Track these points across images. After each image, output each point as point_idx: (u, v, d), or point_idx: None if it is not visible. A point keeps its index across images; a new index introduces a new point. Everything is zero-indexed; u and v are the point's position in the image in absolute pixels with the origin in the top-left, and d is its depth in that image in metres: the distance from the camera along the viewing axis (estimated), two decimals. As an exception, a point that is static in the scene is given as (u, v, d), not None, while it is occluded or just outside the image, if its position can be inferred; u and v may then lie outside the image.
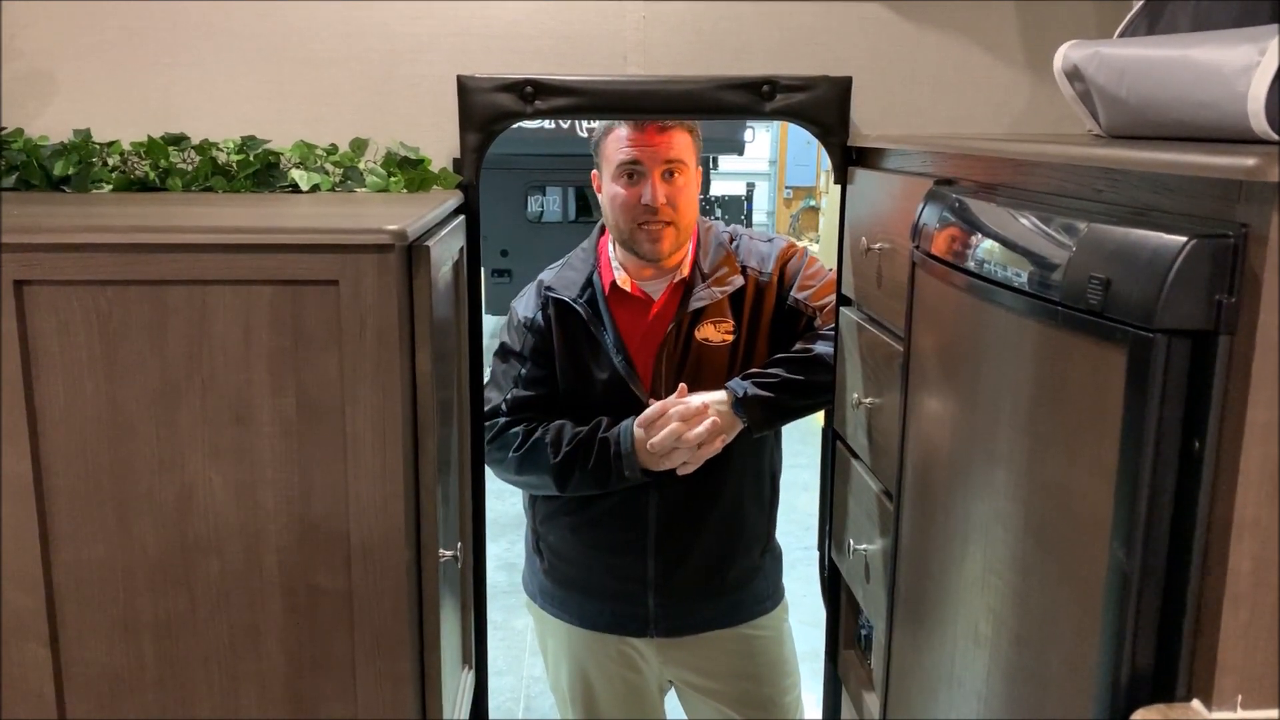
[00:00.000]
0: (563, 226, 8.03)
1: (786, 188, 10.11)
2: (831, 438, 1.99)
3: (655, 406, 2.00)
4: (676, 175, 2.02)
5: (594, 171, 2.12)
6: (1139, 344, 0.88)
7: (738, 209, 8.68)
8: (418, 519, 1.39)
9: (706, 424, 1.97)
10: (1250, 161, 0.79)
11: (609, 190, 2.05)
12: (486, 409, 2.09)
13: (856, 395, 1.76)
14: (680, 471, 2.01)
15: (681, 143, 2.02)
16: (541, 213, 8.17)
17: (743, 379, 2.01)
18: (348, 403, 1.30)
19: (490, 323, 6.84)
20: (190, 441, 1.31)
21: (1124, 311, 0.90)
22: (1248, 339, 0.84)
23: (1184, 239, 0.85)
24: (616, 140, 2.02)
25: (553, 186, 7.98)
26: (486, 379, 2.13)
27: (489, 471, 2.02)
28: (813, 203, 9.41)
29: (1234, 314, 0.85)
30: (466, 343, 1.81)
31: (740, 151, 8.17)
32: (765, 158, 10.60)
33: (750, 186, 9.33)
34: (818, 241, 7.74)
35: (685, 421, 1.97)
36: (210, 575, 1.35)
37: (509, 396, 2.08)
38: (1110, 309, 0.91)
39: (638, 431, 1.99)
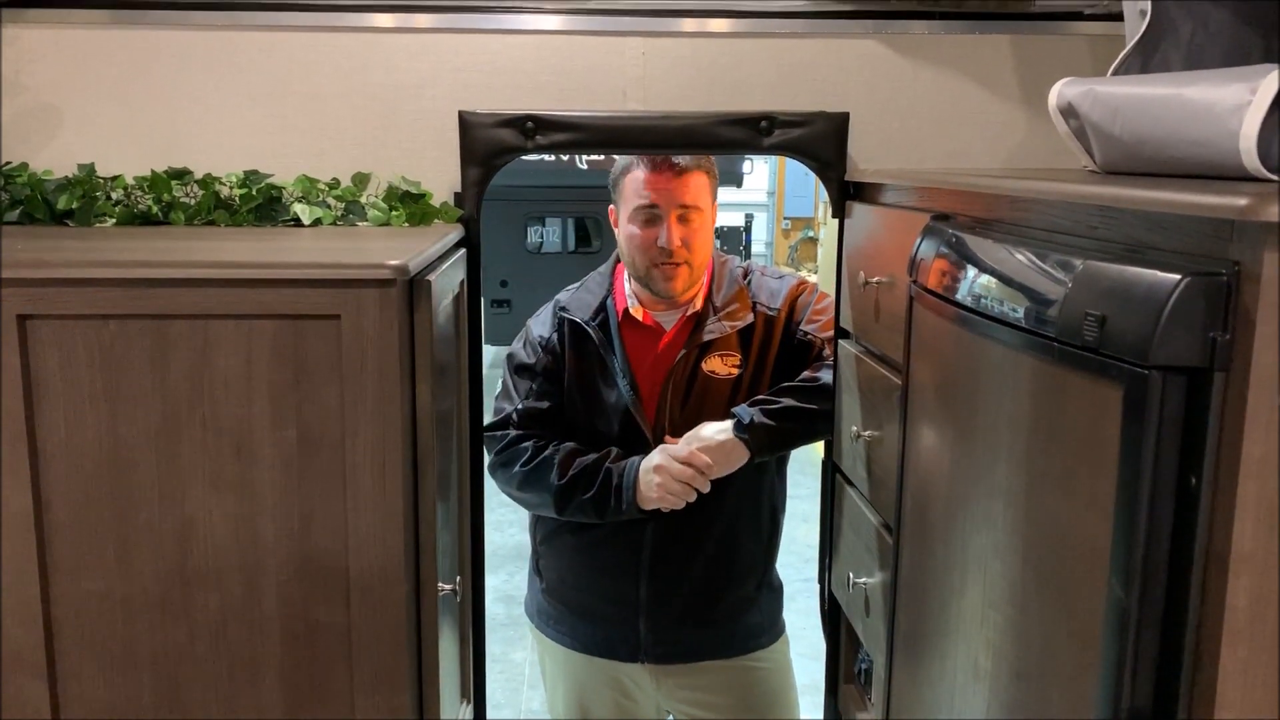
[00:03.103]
0: (562, 257, 8.06)
1: (785, 219, 10.16)
2: (831, 470, 1.99)
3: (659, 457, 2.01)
4: (692, 217, 2.03)
5: (610, 206, 2.13)
6: (1135, 380, 0.89)
7: (736, 240, 8.72)
8: (417, 552, 1.39)
9: (689, 475, 1.98)
10: (1242, 201, 0.80)
11: (625, 230, 2.07)
12: (496, 418, 2.11)
13: (855, 428, 1.76)
14: (664, 508, 2.02)
15: (698, 185, 2.03)
16: (541, 243, 8.20)
17: (750, 405, 2.02)
18: (348, 436, 1.31)
19: (490, 353, 6.85)
20: (191, 474, 1.32)
21: (1120, 348, 0.91)
22: (1242, 375, 0.84)
23: (1178, 277, 0.86)
24: (634, 182, 2.03)
25: (552, 217, 8.01)
26: (497, 391, 2.15)
27: (488, 502, 2.02)
28: (811, 233, 9.46)
29: (1228, 351, 0.85)
30: (467, 374, 1.82)
31: (739, 183, 8.22)
32: (764, 189, 10.65)
33: (749, 218, 9.37)
34: (816, 272, 7.77)
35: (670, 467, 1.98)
36: (209, 608, 1.35)
37: (520, 407, 2.11)
38: (1106, 345, 0.92)
39: (643, 473, 2.00)
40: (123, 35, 1.79)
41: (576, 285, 2.21)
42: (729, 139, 1.87)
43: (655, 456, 2.01)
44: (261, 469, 1.32)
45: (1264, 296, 0.82)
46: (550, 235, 8.17)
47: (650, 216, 2.02)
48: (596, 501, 2.02)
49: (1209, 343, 0.86)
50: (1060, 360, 1.01)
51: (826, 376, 2.01)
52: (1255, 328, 0.83)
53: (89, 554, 1.33)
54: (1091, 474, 0.97)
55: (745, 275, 2.15)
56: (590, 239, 8.07)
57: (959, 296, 1.25)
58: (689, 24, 1.86)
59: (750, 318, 2.10)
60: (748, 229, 9.14)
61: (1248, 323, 0.84)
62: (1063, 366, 1.01)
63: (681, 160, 2.00)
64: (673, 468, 1.99)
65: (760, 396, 2.04)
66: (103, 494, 1.31)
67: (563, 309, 2.14)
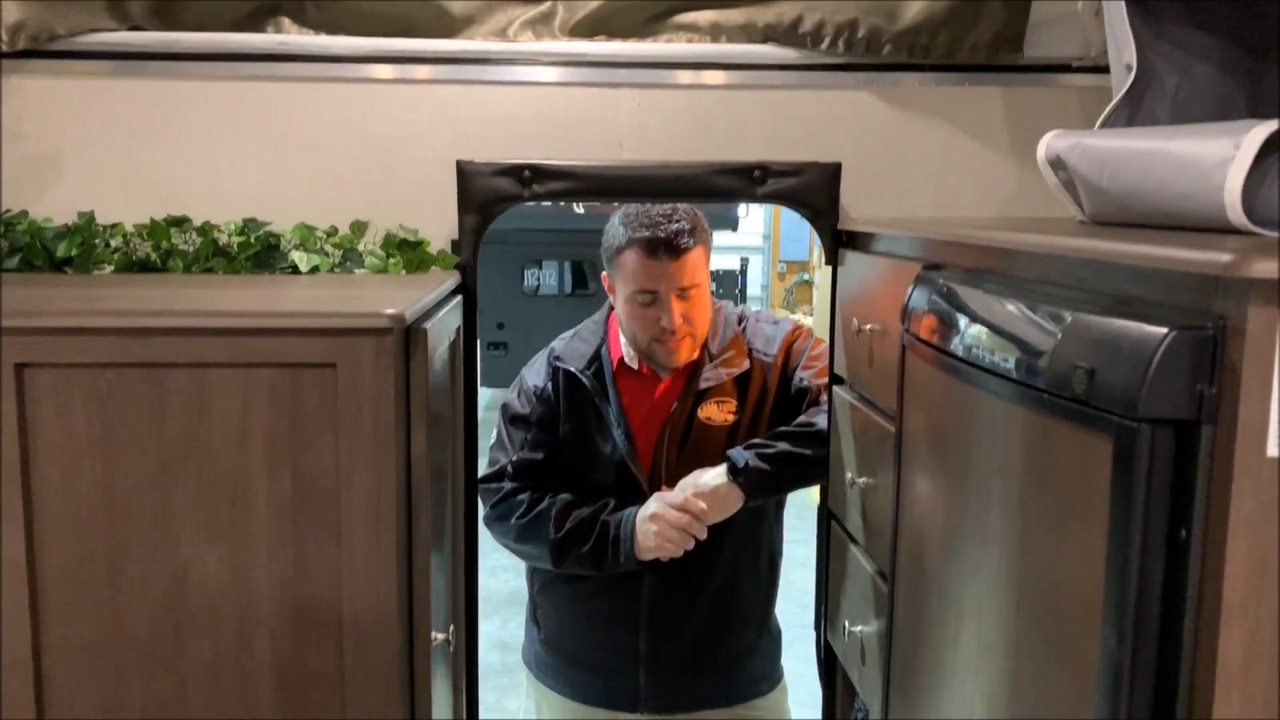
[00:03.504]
0: (558, 299, 8.08)
1: (780, 262, 10.20)
2: (826, 517, 1.99)
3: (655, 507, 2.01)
4: (692, 294, 2.04)
5: (604, 273, 2.13)
6: (1124, 433, 0.89)
7: (732, 283, 8.75)
8: (410, 601, 1.38)
9: (685, 522, 1.98)
10: (1226, 257, 0.82)
11: (624, 306, 2.06)
12: (491, 469, 2.11)
13: (850, 475, 1.77)
14: (663, 557, 2.02)
15: (695, 262, 2.02)
16: (538, 286, 8.23)
17: (745, 448, 2.02)
18: (343, 485, 1.31)
19: (486, 395, 6.85)
20: (185, 523, 1.31)
21: (1108, 400, 0.91)
22: (1230, 429, 0.85)
23: (1165, 330, 0.87)
24: (632, 266, 2.01)
25: (549, 260, 8.05)
26: (492, 440, 2.14)
27: (482, 547, 2.02)
28: (806, 277, 9.49)
29: (1215, 404, 0.86)
30: (461, 421, 1.83)
31: (734, 227, 8.26)
32: (759, 232, 10.71)
33: (744, 261, 9.41)
34: (811, 315, 7.80)
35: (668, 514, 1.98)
36: (201, 657, 1.34)
37: (514, 459, 2.10)
38: (1095, 398, 0.93)
39: (640, 523, 2.00)
40: (124, 85, 1.82)
41: (570, 334, 2.21)
42: (723, 188, 1.89)
43: (651, 505, 2.01)
44: (256, 517, 1.32)
45: (1249, 351, 0.83)
46: (547, 278, 8.20)
47: (650, 300, 2.02)
48: (594, 554, 2.02)
49: (1196, 396, 0.87)
50: (1050, 411, 1.02)
51: (822, 421, 2.01)
52: (1242, 382, 0.84)
53: (81, 603, 1.32)
54: (1083, 525, 0.97)
55: (740, 321, 2.17)
56: (587, 281, 8.10)
57: (950, 346, 1.26)
58: (684, 76, 1.89)
59: (746, 364, 2.11)
60: (743, 272, 9.17)
61: (1234, 376, 0.85)
62: (1053, 417, 1.02)
63: (678, 241, 1.99)
64: (669, 515, 1.98)
65: (755, 440, 2.04)
66: (96, 542, 1.31)
67: (557, 358, 2.14)
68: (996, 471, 1.16)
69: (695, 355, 2.11)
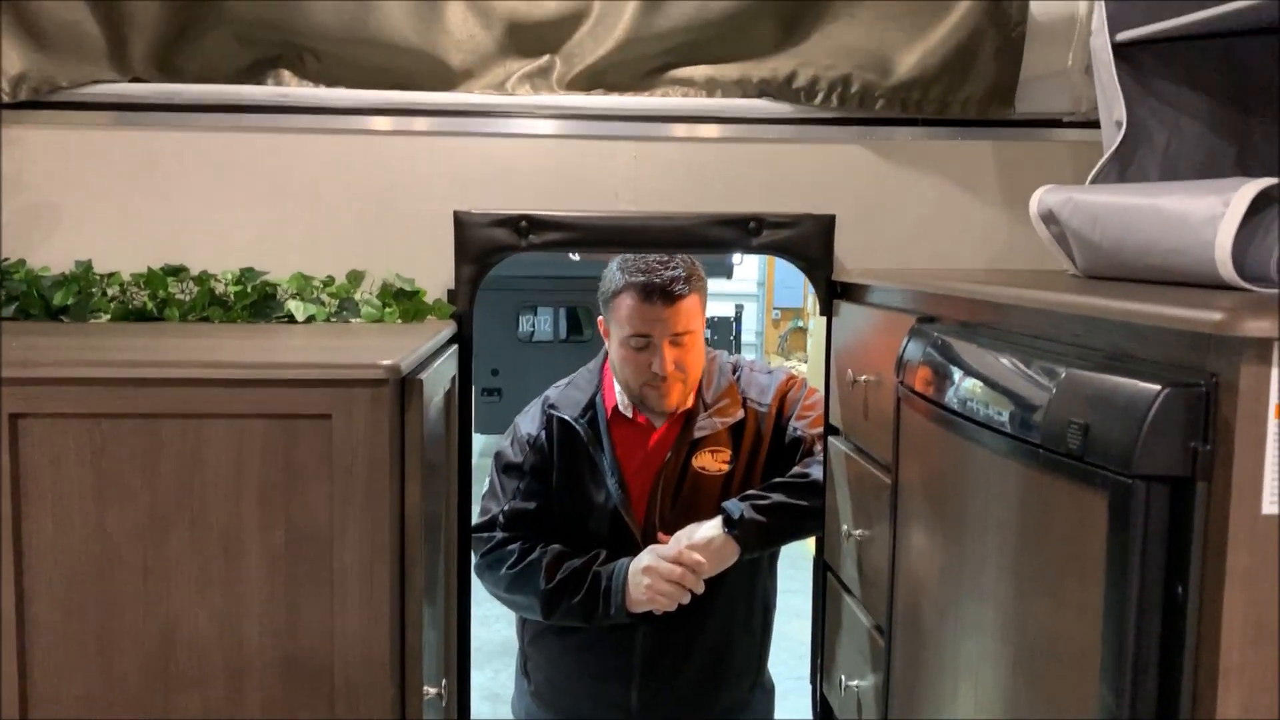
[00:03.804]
0: (553, 345, 8.08)
1: (774, 309, 10.23)
2: (822, 569, 1.98)
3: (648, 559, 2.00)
4: (685, 340, 2.05)
5: (600, 318, 2.14)
6: (1119, 489, 0.90)
7: (727, 330, 8.78)
8: (403, 655, 1.37)
9: (679, 575, 1.97)
10: (1217, 316, 0.82)
11: (618, 351, 2.07)
12: (483, 519, 2.10)
13: (846, 527, 1.76)
14: (656, 610, 2.00)
15: (689, 310, 2.04)
16: (533, 332, 8.23)
17: (739, 500, 2.01)
18: (336, 536, 1.30)
19: (480, 441, 6.82)
20: (177, 575, 1.30)
21: (1103, 457, 0.92)
22: (1224, 486, 0.85)
23: (1158, 388, 0.88)
24: (627, 310, 2.03)
25: (544, 307, 8.07)
26: (484, 490, 2.13)
27: (474, 597, 2.00)
28: (800, 324, 9.52)
29: (1209, 461, 0.86)
30: (456, 471, 1.82)
31: (729, 275, 8.30)
32: (753, 279, 10.75)
33: (739, 308, 9.44)
34: (805, 362, 7.81)
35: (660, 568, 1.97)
36: (191, 710, 1.32)
37: (506, 508, 2.09)
38: (1090, 454, 0.93)
39: (632, 575, 1.99)
40: (124, 136, 1.83)
41: (565, 382, 2.21)
42: (719, 239, 1.91)
43: (644, 557, 2.00)
44: (248, 569, 1.31)
45: (1242, 408, 0.83)
46: (542, 324, 8.21)
47: (643, 344, 2.03)
48: (584, 605, 2.01)
49: (1190, 453, 0.87)
50: (1045, 466, 1.02)
51: (817, 472, 2.01)
52: (1235, 439, 0.84)
53: (71, 655, 1.31)
54: (1079, 581, 0.97)
55: (735, 371, 2.17)
56: (581, 328, 8.11)
57: (945, 399, 1.26)
58: (679, 129, 1.91)
59: (740, 414, 2.11)
60: (738, 319, 9.20)
61: (1228, 433, 0.85)
62: (1048, 472, 1.02)
63: (673, 287, 2.00)
64: (662, 567, 1.97)
65: (750, 491, 2.04)
66: (87, 594, 1.30)
67: (551, 406, 2.14)
68: (993, 525, 1.16)
69: (688, 403, 2.11)
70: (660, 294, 2.00)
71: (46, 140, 1.82)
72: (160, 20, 1.81)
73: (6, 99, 1.76)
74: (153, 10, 1.81)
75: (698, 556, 1.97)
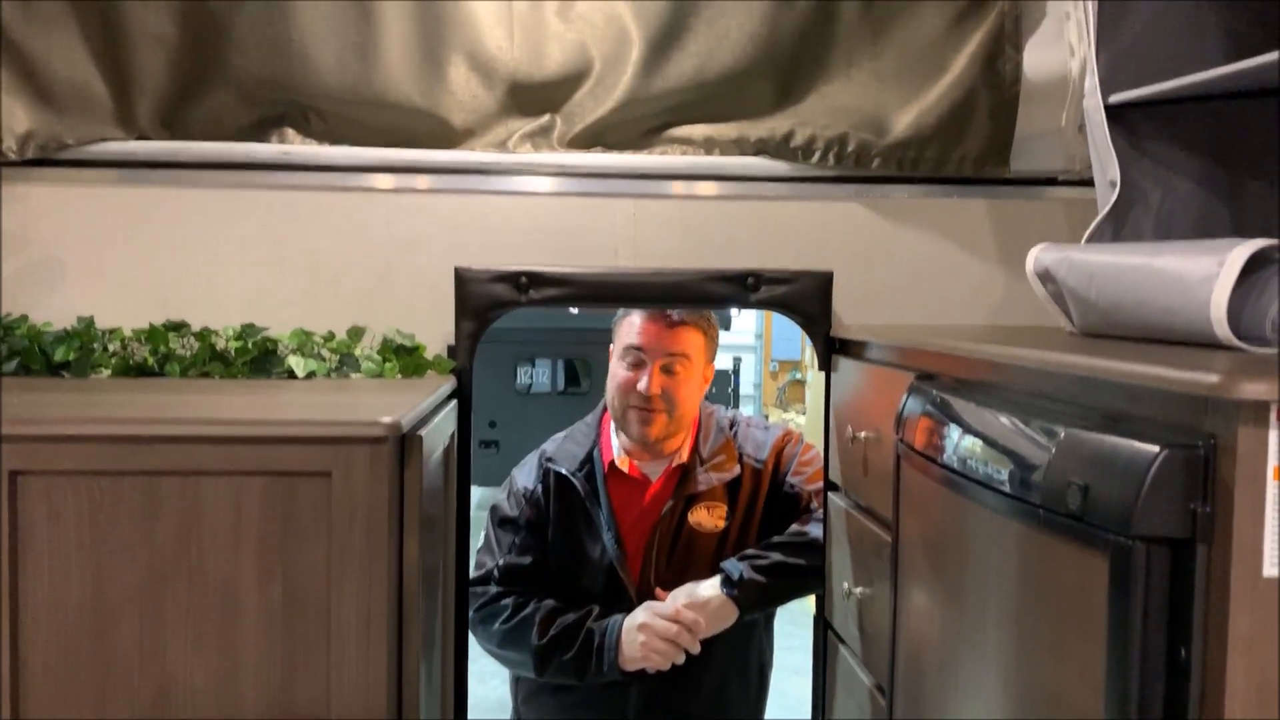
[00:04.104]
0: (551, 397, 8.06)
1: (772, 361, 10.23)
2: (822, 627, 1.97)
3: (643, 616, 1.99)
4: (678, 369, 2.06)
5: (611, 346, 2.17)
6: (1119, 551, 0.89)
7: (724, 383, 8.78)
8: (400, 714, 1.36)
9: (674, 633, 1.96)
10: (1213, 378, 0.83)
11: (612, 369, 2.11)
12: (478, 573, 2.09)
13: (846, 584, 1.75)
14: (650, 668, 1.99)
15: (689, 338, 2.07)
16: (530, 384, 8.22)
17: (738, 560, 2.00)
18: (333, 594, 1.29)
19: (477, 494, 6.79)
20: (173, 632, 1.29)
21: (1103, 518, 0.92)
22: (1224, 547, 0.85)
23: (1156, 449, 0.88)
24: (629, 325, 2.08)
25: (542, 358, 8.07)
26: (479, 544, 2.12)
27: (469, 653, 1.99)
28: (798, 375, 9.52)
29: (1210, 523, 0.87)
30: (454, 526, 1.81)
31: (727, 326, 8.31)
32: (751, 331, 10.78)
33: (737, 360, 9.45)
34: (804, 414, 7.80)
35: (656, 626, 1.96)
36: (184, 772, 1.31)
37: (501, 563, 2.09)
38: (1090, 514, 0.93)
39: (626, 632, 1.98)
40: (129, 193, 1.85)
41: (563, 435, 2.21)
42: (717, 295, 1.92)
43: (639, 614, 1.99)
44: (245, 627, 1.30)
45: (1241, 471, 0.84)
46: (540, 376, 8.21)
47: (636, 360, 2.05)
48: (577, 662, 1.99)
49: (1190, 514, 0.87)
50: (1045, 526, 1.02)
51: (816, 531, 2.00)
52: (1235, 501, 0.84)
53: (66, 712, 1.29)
54: (1081, 642, 0.97)
55: (731, 426, 2.17)
56: (579, 380, 8.11)
57: (944, 458, 1.26)
58: (677, 187, 1.94)
59: (737, 470, 2.10)
60: (736, 371, 9.21)
61: (1227, 495, 0.85)
62: (1048, 533, 1.02)
63: (679, 314, 2.04)
64: (658, 625, 1.96)
65: (748, 551, 2.03)
66: (82, 652, 1.29)
67: (549, 459, 2.14)
68: (994, 585, 1.16)
69: (683, 456, 2.10)
70: (663, 315, 2.05)
71: (51, 197, 1.84)
72: (167, 79, 1.84)
73: (14, 157, 1.78)
74: (160, 69, 1.84)
75: (695, 616, 1.96)
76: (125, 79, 1.83)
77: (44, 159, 1.81)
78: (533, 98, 1.91)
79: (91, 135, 1.82)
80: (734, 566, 1.98)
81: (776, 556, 2.00)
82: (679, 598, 1.98)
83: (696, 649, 1.97)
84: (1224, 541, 0.85)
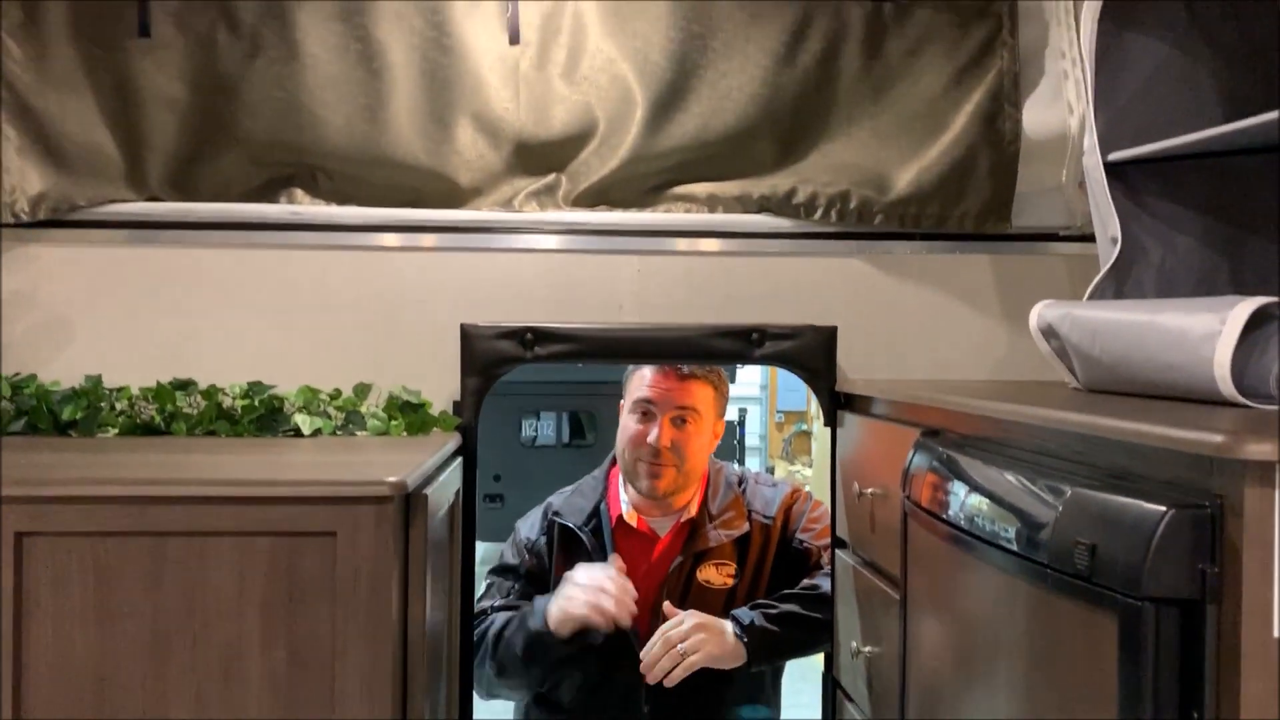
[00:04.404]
0: (556, 450, 8.03)
1: (778, 412, 10.21)
2: (830, 686, 1.95)
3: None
4: (688, 423, 2.07)
5: (621, 400, 2.17)
6: (1128, 612, 0.89)
7: (730, 434, 8.76)
8: (403, 779, 1.34)
9: (692, 625, 1.95)
10: (1218, 438, 0.83)
11: (623, 422, 2.12)
12: (480, 624, 2.07)
13: (855, 643, 1.74)
14: (667, 682, 1.96)
15: (699, 393, 2.08)
16: (535, 437, 8.20)
17: (750, 608, 1.99)
18: (338, 656, 1.29)
19: (481, 549, 6.76)
20: (176, 696, 1.28)
21: (1111, 578, 0.91)
22: (1234, 609, 0.85)
23: (1163, 509, 0.88)
24: (639, 377, 2.10)
25: (547, 412, 8.06)
26: (479, 592, 2.11)
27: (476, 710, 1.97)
28: (804, 427, 9.48)
29: (1219, 583, 0.86)
30: (459, 582, 1.81)
31: (732, 379, 8.33)
32: (756, 383, 10.78)
33: (743, 412, 9.43)
34: (810, 466, 7.76)
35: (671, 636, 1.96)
36: (185, 841, 1.29)
37: (497, 603, 2.09)
38: (1098, 575, 0.93)
39: (552, 608, 1.98)
40: (138, 254, 1.87)
41: (570, 489, 2.21)
42: (721, 350, 1.93)
43: (579, 574, 1.98)
44: (249, 690, 1.29)
45: (1248, 532, 0.83)
46: (545, 429, 8.19)
47: (646, 413, 2.06)
48: (515, 644, 1.98)
49: (1199, 575, 0.87)
50: (1053, 586, 1.01)
51: (827, 585, 1.99)
52: (1243, 562, 0.84)
53: (66, 779, 1.28)
54: (1092, 704, 0.96)
55: (740, 483, 2.17)
56: (584, 432, 8.10)
57: (951, 515, 1.26)
58: (682, 243, 1.95)
59: (746, 526, 2.10)
60: (741, 423, 9.19)
61: (1235, 555, 0.85)
62: (1056, 592, 1.01)
63: (689, 367, 2.06)
64: (615, 579, 1.95)
65: (760, 600, 2.02)
66: (85, 714, 1.28)
67: (555, 513, 2.14)
68: (1003, 644, 1.15)
69: (692, 510, 2.09)
70: (673, 368, 2.06)
71: (61, 258, 1.86)
72: (177, 141, 1.87)
73: (26, 218, 1.81)
74: (171, 132, 1.87)
75: (697, 620, 1.94)
76: (137, 141, 1.86)
77: (55, 220, 1.83)
78: (538, 157, 1.93)
79: (103, 197, 1.85)
80: (745, 614, 1.97)
81: (788, 607, 1.99)
82: (691, 614, 1.97)
83: (690, 650, 1.93)
84: (1233, 602, 0.85)
